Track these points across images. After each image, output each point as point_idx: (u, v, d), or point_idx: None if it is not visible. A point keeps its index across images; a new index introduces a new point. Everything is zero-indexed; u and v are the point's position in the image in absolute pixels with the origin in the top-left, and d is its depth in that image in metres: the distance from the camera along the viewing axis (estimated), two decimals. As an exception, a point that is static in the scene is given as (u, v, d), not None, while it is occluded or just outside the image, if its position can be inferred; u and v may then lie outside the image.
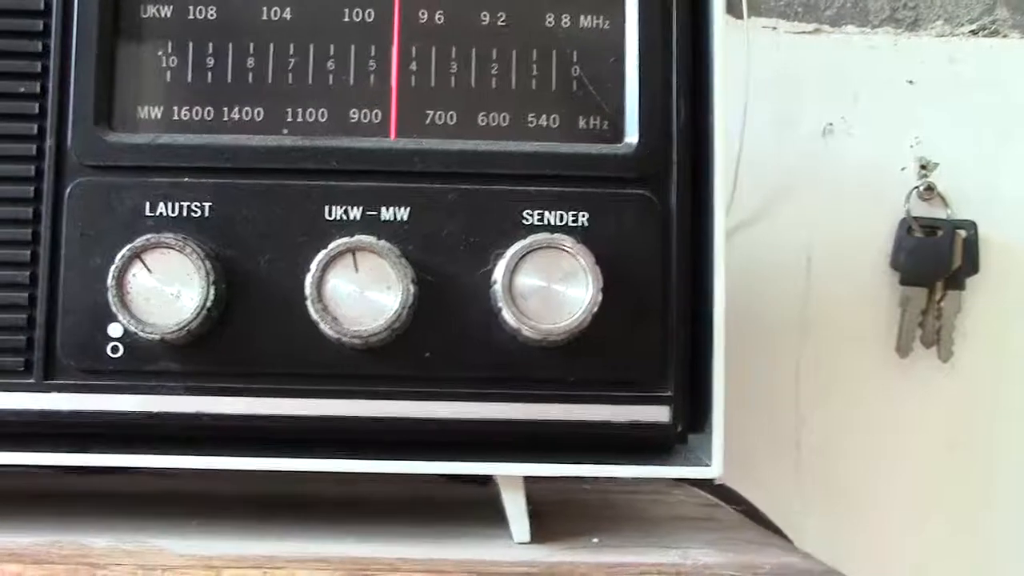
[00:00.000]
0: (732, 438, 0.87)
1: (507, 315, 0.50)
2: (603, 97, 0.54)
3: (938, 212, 0.88)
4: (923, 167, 0.88)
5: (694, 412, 0.53)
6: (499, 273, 0.50)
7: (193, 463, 0.51)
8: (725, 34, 0.53)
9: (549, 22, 0.54)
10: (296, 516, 0.57)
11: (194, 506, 0.58)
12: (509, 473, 0.52)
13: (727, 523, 0.63)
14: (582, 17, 0.54)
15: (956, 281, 0.88)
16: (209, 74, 0.53)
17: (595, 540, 0.54)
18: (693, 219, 0.53)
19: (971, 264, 0.87)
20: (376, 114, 0.53)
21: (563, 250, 0.50)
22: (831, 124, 0.88)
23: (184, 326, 0.49)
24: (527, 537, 0.53)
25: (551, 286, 0.50)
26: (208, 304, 0.49)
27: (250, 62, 0.53)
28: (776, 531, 0.75)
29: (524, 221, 0.52)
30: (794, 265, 0.88)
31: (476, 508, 0.60)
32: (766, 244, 0.87)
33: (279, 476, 0.52)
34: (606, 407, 0.52)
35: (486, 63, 0.54)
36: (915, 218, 0.88)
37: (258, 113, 0.53)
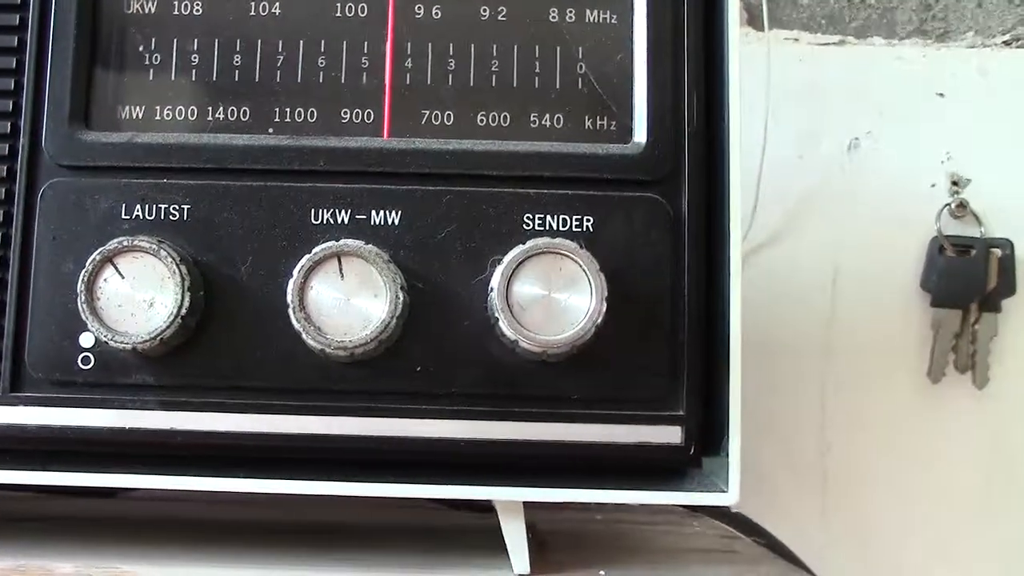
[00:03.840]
0: (753, 466, 0.83)
1: (504, 325, 0.46)
2: (610, 96, 0.50)
3: (971, 230, 0.84)
4: (954, 183, 0.84)
5: (709, 434, 0.49)
6: (496, 280, 0.46)
7: (168, 483, 0.47)
8: (739, 32, 0.50)
9: (553, 16, 0.51)
10: (279, 541, 0.53)
11: (170, 529, 0.55)
12: (507, 498, 0.48)
13: (746, 556, 0.59)
14: (588, 11, 0.51)
15: (991, 303, 0.83)
16: (194, 72, 0.50)
17: (601, 573, 0.50)
18: (707, 227, 0.50)
19: (1007, 285, 0.83)
20: (368, 114, 0.50)
21: (565, 255, 0.46)
22: (857, 139, 0.84)
23: (157, 335, 0.46)
24: (527, 569, 0.49)
25: (552, 294, 0.46)
26: (182, 312, 0.46)
27: (237, 59, 0.50)
28: (799, 565, 0.71)
29: (525, 226, 0.48)
30: (818, 286, 0.84)
31: (478, 535, 0.56)
32: (788, 263, 0.83)
33: (260, 498, 0.48)
34: (613, 427, 0.48)
35: (486, 59, 0.50)
36: (947, 236, 0.83)
37: (244, 112, 0.50)
